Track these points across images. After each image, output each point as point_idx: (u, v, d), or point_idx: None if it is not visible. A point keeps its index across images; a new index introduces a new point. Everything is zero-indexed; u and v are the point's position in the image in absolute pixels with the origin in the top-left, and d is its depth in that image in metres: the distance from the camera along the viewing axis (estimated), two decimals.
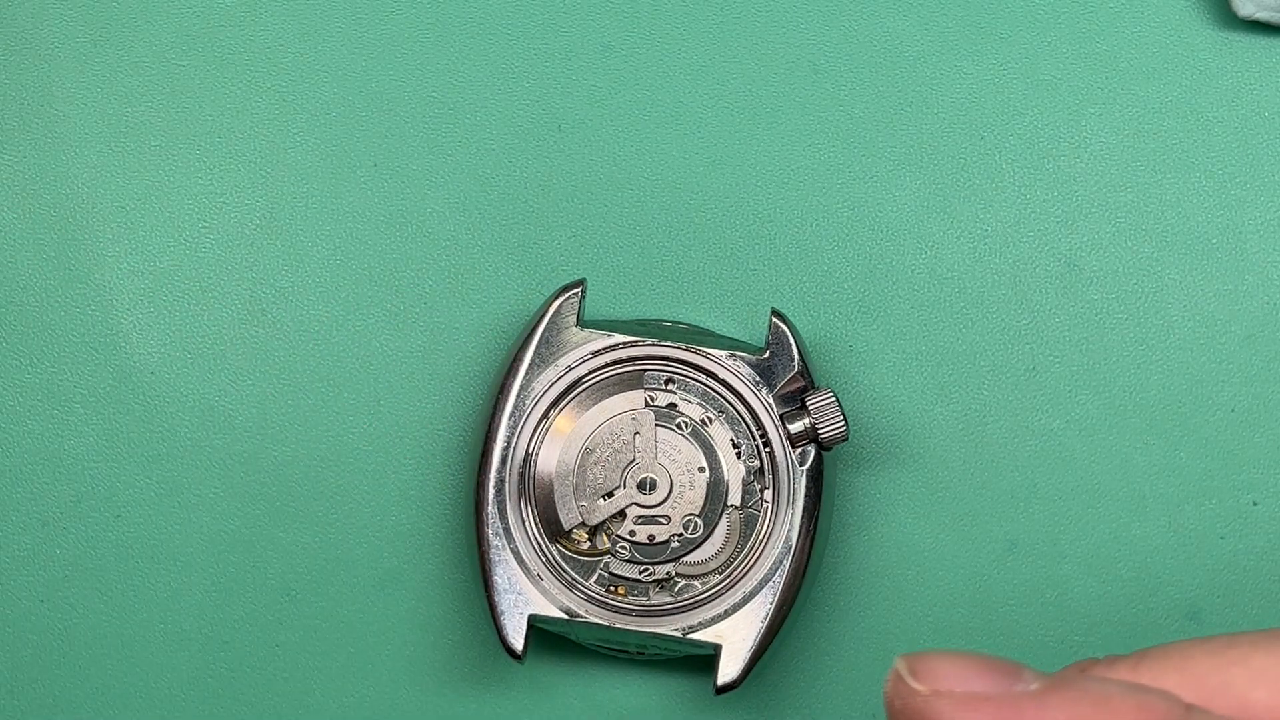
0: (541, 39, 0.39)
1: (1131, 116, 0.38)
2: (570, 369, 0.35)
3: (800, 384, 0.35)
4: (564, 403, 0.35)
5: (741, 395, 0.35)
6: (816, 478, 0.35)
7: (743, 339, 0.37)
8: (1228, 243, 0.38)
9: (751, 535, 0.35)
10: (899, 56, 0.39)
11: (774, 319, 0.35)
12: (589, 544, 0.35)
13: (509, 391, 0.35)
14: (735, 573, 0.35)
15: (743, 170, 0.38)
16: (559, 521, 0.35)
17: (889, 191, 0.38)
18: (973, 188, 0.38)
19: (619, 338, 0.35)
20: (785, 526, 0.35)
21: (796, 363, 0.35)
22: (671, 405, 0.35)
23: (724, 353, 0.35)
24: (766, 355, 0.35)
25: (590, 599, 0.35)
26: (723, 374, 0.35)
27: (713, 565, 0.35)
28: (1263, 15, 0.38)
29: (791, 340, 0.35)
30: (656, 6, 0.39)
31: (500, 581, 0.35)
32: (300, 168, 0.38)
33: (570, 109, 0.39)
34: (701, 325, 0.38)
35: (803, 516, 0.35)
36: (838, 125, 0.39)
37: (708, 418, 0.35)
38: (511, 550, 0.35)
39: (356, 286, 0.38)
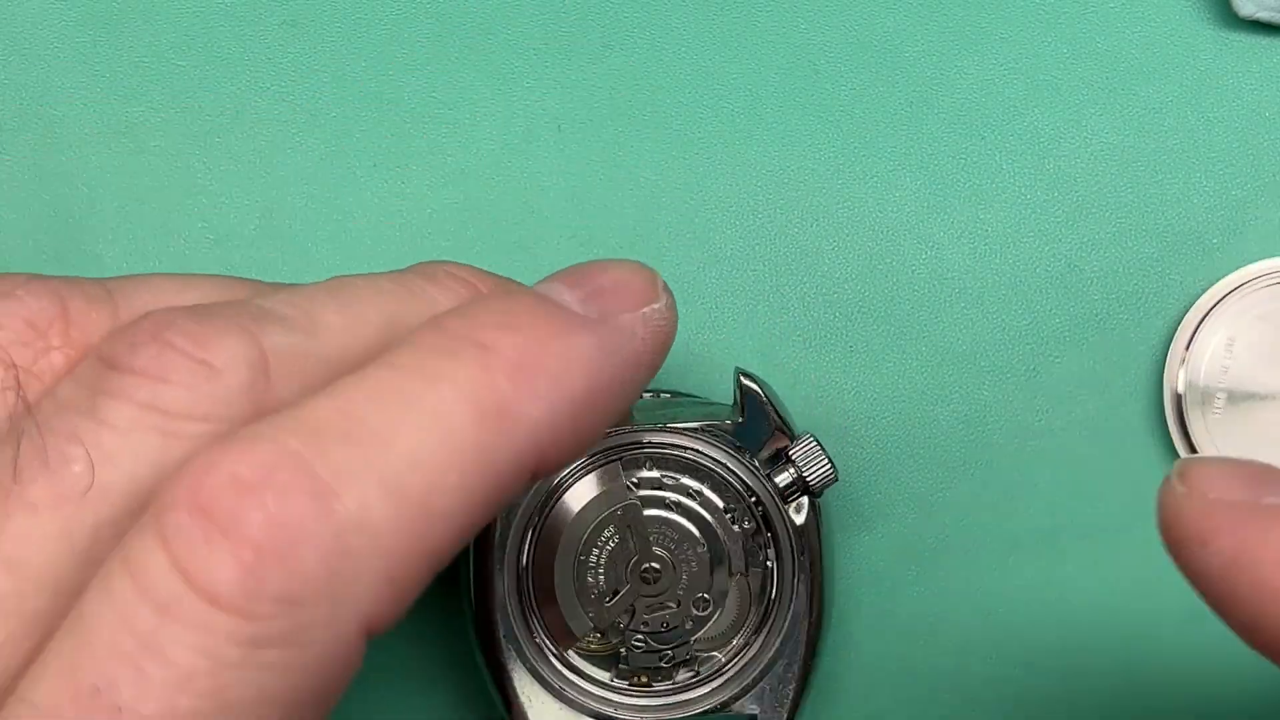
0: (541, 39, 0.39)
1: (1131, 116, 0.38)
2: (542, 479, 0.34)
3: (781, 440, 0.34)
4: (548, 508, 0.34)
5: (724, 463, 0.34)
6: (815, 526, 0.34)
7: (722, 386, 0.36)
8: (1228, 243, 0.38)
9: (764, 596, 0.34)
10: (899, 56, 0.39)
11: (742, 380, 0.34)
12: (602, 641, 0.35)
13: (489, 524, 0.34)
14: (756, 637, 0.35)
15: (743, 170, 0.38)
16: (570, 633, 0.34)
17: (889, 191, 0.38)
18: (973, 188, 0.38)
19: None
20: (794, 580, 0.34)
21: (773, 420, 0.34)
22: (656, 484, 0.34)
23: (697, 424, 0.34)
24: (742, 420, 0.34)
25: (618, 695, 0.34)
26: (701, 446, 0.34)
27: (731, 634, 0.35)
28: (1263, 15, 0.38)
29: (764, 399, 0.34)
30: (656, 6, 0.39)
31: (524, 700, 0.34)
32: (300, 168, 0.38)
33: (570, 109, 0.39)
34: (675, 388, 0.37)
35: (809, 568, 0.34)
36: (838, 125, 0.39)
37: (694, 490, 0.34)
38: (529, 669, 0.34)
39: None
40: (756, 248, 0.38)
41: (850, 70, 0.39)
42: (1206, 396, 0.38)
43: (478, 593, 0.34)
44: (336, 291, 0.27)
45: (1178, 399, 0.38)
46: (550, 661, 0.34)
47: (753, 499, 0.34)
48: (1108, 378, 0.38)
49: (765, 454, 0.34)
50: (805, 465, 0.34)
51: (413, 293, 0.28)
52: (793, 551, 0.34)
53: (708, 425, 0.34)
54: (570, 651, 0.34)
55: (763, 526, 0.34)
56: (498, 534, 0.34)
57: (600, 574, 0.34)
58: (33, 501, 0.23)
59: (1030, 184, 0.38)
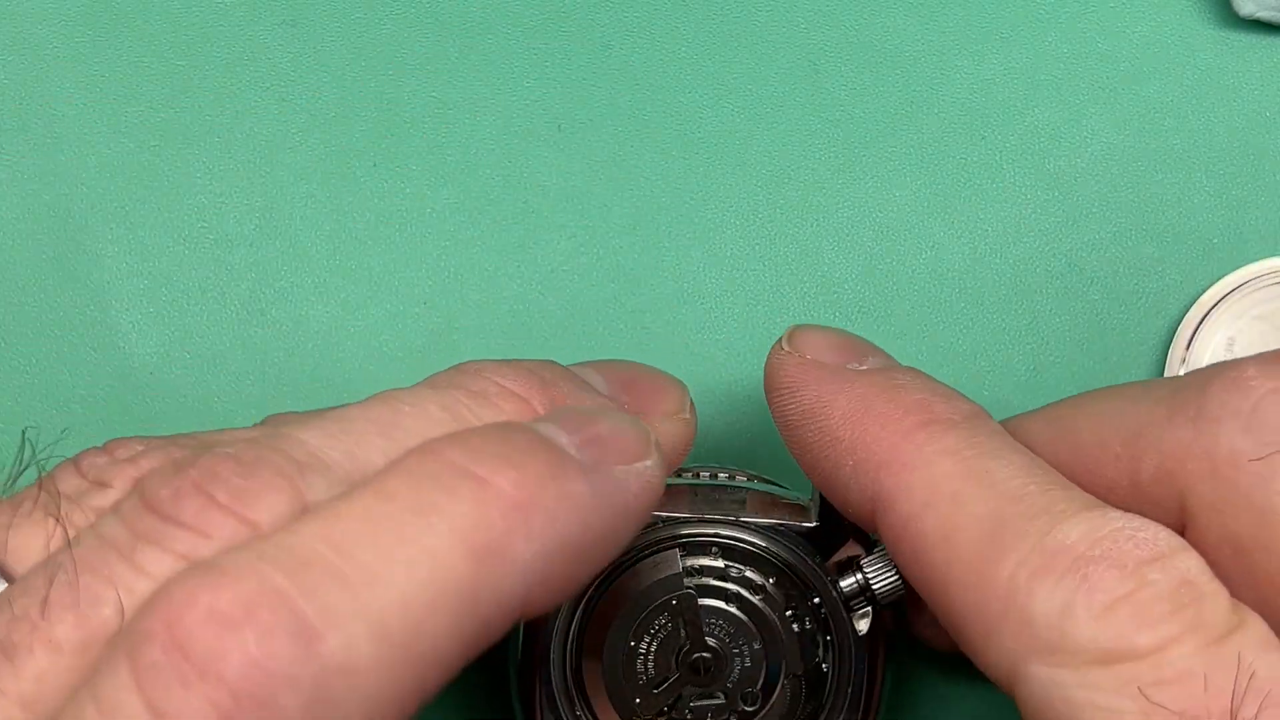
0: (541, 39, 0.39)
1: (1131, 116, 0.38)
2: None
3: (853, 548, 0.33)
4: (603, 590, 0.33)
5: (790, 562, 0.33)
6: (876, 637, 0.33)
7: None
8: (1228, 242, 0.38)
9: (816, 700, 0.33)
10: (899, 56, 0.39)
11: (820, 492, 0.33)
12: None
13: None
14: None
15: (743, 170, 0.38)
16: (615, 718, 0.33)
17: (889, 191, 0.38)
18: (973, 188, 0.38)
19: (656, 512, 0.32)
20: (848, 688, 0.33)
21: (849, 527, 0.33)
22: (720, 574, 0.33)
23: (771, 521, 0.33)
24: (817, 524, 0.33)
25: None
26: (770, 544, 0.33)
27: None
28: (1264, 14, 0.38)
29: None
30: (656, 6, 0.39)
31: None
32: (300, 168, 0.38)
33: (570, 109, 0.39)
34: (740, 469, 0.35)
35: (867, 678, 0.33)
36: (838, 125, 0.38)
37: (758, 584, 0.33)
38: None
39: (356, 286, 0.38)
40: (756, 248, 0.38)
41: (850, 70, 0.39)
42: None
43: (523, 672, 0.33)
44: (387, 429, 0.26)
45: None
46: None
47: (816, 600, 0.33)
48: (1108, 378, 0.38)
49: (836, 559, 0.33)
50: (874, 575, 0.32)
51: (462, 423, 0.27)
52: (851, 659, 0.33)
53: (781, 525, 0.33)
54: None
55: (823, 630, 0.33)
56: (551, 617, 0.32)
57: (650, 662, 0.33)
58: (58, 641, 0.22)
59: (1030, 184, 0.38)
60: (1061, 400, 0.31)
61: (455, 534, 0.23)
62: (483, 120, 0.39)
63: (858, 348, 0.31)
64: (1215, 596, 0.25)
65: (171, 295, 0.38)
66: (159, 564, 0.23)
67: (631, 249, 0.38)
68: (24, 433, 0.26)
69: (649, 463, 0.27)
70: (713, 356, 0.38)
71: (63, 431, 0.37)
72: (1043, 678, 0.25)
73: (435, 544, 0.23)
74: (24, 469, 0.25)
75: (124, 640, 0.22)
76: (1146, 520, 0.26)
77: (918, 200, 0.38)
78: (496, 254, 0.38)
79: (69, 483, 0.25)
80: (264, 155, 0.38)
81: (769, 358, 0.31)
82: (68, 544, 0.23)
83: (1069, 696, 0.24)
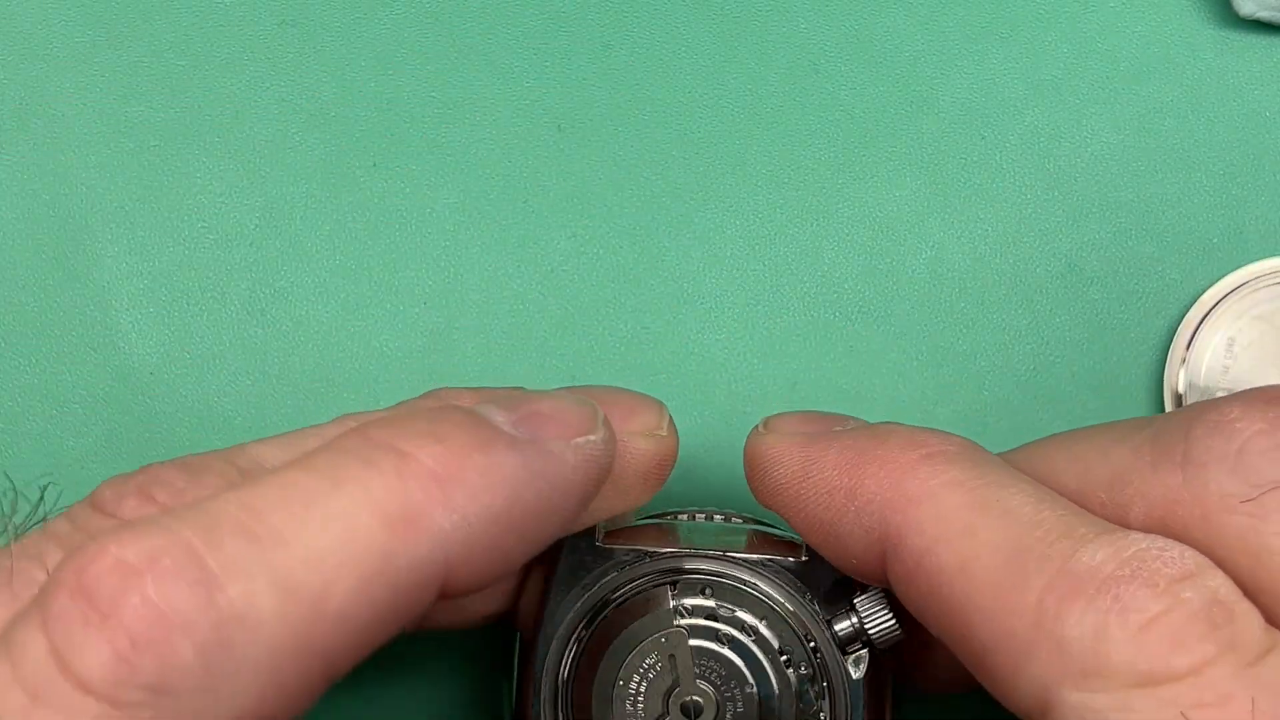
0: (541, 39, 0.39)
1: (1132, 116, 0.38)
2: (594, 593, 0.32)
3: (846, 582, 0.32)
4: (593, 626, 0.32)
5: (783, 603, 0.32)
6: (874, 682, 0.32)
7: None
8: (1229, 242, 0.38)
9: None
10: (899, 56, 0.39)
11: None
12: None
13: (535, 631, 0.32)
14: None
15: (743, 170, 0.38)
16: None
17: (889, 191, 0.38)
18: (973, 188, 0.38)
19: (643, 551, 0.32)
20: None
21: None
22: (710, 614, 0.32)
23: (759, 557, 0.32)
24: (807, 559, 0.32)
25: None
26: (762, 582, 0.32)
27: None
28: (1264, 14, 0.38)
29: None
30: (656, 6, 0.39)
31: None
32: (300, 168, 0.38)
33: (570, 109, 0.39)
34: (735, 512, 0.34)
35: None
36: (838, 125, 0.38)
37: (748, 627, 0.32)
38: None
39: (356, 286, 0.38)
40: (756, 248, 0.38)
41: (850, 70, 0.39)
42: (1207, 396, 0.38)
43: (516, 707, 0.32)
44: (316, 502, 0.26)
45: (1178, 399, 0.38)
46: None
47: (811, 644, 0.32)
48: (1108, 378, 0.38)
49: (827, 592, 0.32)
50: (868, 617, 0.31)
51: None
52: (847, 706, 0.31)
53: (770, 560, 0.32)
54: None
55: (819, 675, 0.32)
56: (539, 648, 0.32)
57: (640, 703, 0.32)
58: None
59: (1030, 184, 0.38)
60: (1041, 440, 0.30)
61: (371, 502, 0.24)
62: (483, 120, 0.39)
63: (836, 416, 0.31)
64: (1248, 616, 0.24)
65: (171, 295, 0.38)
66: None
67: (631, 249, 0.38)
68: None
69: (593, 437, 0.27)
70: (713, 356, 0.38)
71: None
72: (1078, 703, 0.24)
73: (348, 509, 0.24)
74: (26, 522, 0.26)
75: (40, 593, 0.23)
76: (1169, 540, 0.25)
77: (918, 200, 0.38)
78: (496, 254, 0.38)
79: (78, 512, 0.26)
80: (264, 155, 0.38)
81: (748, 441, 0.30)
82: (12, 532, 0.25)
83: None
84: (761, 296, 0.38)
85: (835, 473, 0.28)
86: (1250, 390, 0.28)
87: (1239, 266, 0.38)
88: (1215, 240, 0.38)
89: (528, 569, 0.33)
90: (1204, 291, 0.38)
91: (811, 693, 0.32)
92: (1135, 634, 0.24)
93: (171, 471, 0.25)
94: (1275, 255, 0.38)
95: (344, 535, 0.24)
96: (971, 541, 0.26)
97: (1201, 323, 0.38)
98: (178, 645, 0.22)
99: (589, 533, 0.32)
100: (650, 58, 0.39)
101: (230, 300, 0.38)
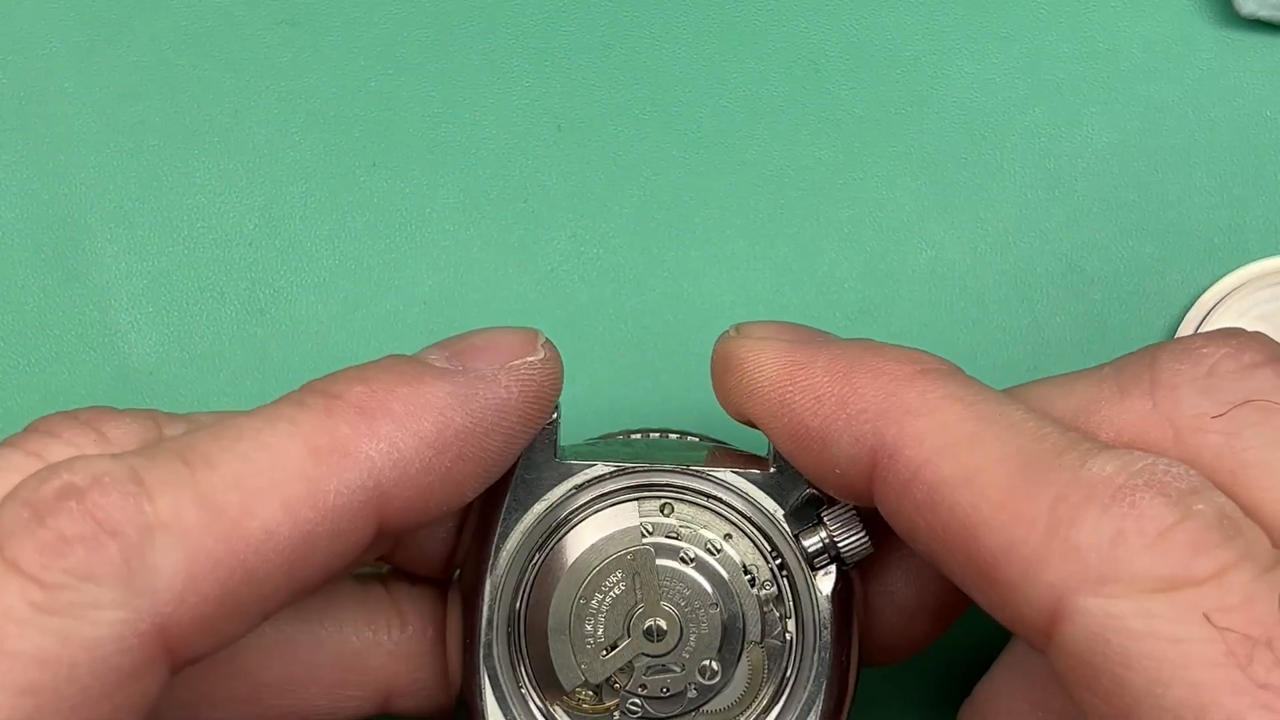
0: (541, 39, 0.39)
1: (1131, 116, 0.38)
2: (552, 509, 0.31)
3: (815, 497, 0.30)
4: (549, 546, 0.31)
5: (749, 516, 0.31)
6: (843, 600, 0.30)
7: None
8: (1229, 242, 0.38)
9: (780, 672, 0.31)
10: (899, 56, 0.39)
11: None
12: (595, 702, 0.31)
13: (487, 543, 0.30)
14: (766, 716, 0.31)
15: (743, 170, 0.38)
16: (558, 684, 0.30)
17: (889, 191, 0.38)
18: (973, 188, 0.38)
19: (603, 468, 0.31)
20: (815, 657, 0.30)
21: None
22: (673, 533, 0.31)
23: (725, 471, 0.31)
24: (773, 471, 0.31)
25: None
26: (726, 496, 0.31)
27: (739, 710, 0.31)
28: (1264, 14, 0.38)
29: None
30: (656, 6, 0.39)
31: None
32: (299, 167, 0.38)
33: (570, 109, 0.39)
34: (692, 431, 0.34)
35: (833, 645, 0.30)
36: (838, 125, 0.38)
37: (712, 546, 0.31)
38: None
39: (355, 286, 0.38)
40: (756, 248, 0.38)
41: (850, 70, 0.39)
42: None
43: (465, 628, 0.31)
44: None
45: None
46: (535, 718, 0.30)
47: (778, 562, 0.31)
48: None
49: (795, 507, 0.31)
50: (838, 531, 0.30)
51: None
52: (815, 625, 0.30)
53: (737, 472, 0.31)
54: (558, 708, 0.31)
55: (786, 593, 0.31)
56: (491, 566, 0.30)
57: (600, 622, 0.30)
58: None
59: (1030, 184, 0.38)
60: (999, 390, 0.30)
61: (299, 435, 0.26)
62: (483, 120, 0.39)
63: (813, 328, 0.30)
64: (1254, 529, 0.24)
65: (171, 295, 0.38)
66: (33, 466, 0.26)
67: (631, 249, 0.38)
68: None
69: (531, 359, 0.29)
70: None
71: None
72: (1094, 609, 0.24)
73: (276, 441, 0.26)
74: None
75: None
76: (1171, 458, 0.25)
77: (918, 200, 0.38)
78: (496, 254, 0.38)
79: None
80: (264, 155, 0.38)
81: (719, 344, 0.30)
82: None
83: (1127, 627, 0.24)
84: (761, 297, 0.38)
85: (826, 379, 0.28)
86: (1214, 330, 0.28)
87: (1239, 266, 0.38)
88: (1216, 240, 0.38)
89: (466, 517, 0.32)
90: (1204, 291, 0.38)
91: (778, 612, 0.31)
92: (1154, 540, 0.24)
93: (118, 412, 0.28)
94: (1275, 255, 0.38)
95: (269, 462, 0.26)
96: (977, 452, 0.26)
97: (1202, 323, 0.38)
98: (103, 541, 0.24)
99: (547, 449, 0.31)
100: (650, 58, 0.39)
101: (229, 300, 0.38)
